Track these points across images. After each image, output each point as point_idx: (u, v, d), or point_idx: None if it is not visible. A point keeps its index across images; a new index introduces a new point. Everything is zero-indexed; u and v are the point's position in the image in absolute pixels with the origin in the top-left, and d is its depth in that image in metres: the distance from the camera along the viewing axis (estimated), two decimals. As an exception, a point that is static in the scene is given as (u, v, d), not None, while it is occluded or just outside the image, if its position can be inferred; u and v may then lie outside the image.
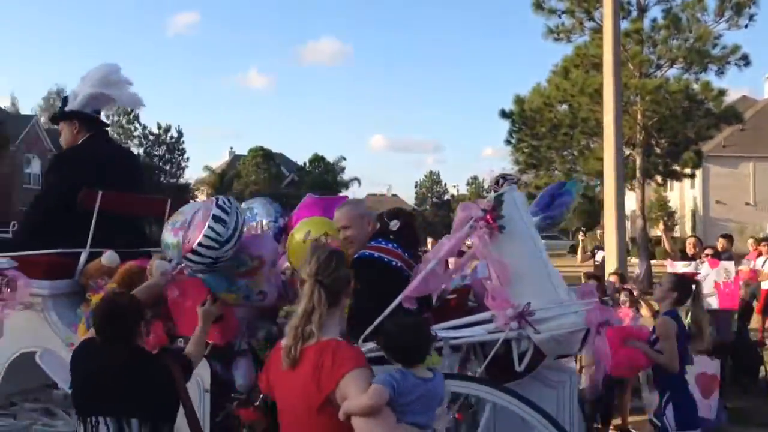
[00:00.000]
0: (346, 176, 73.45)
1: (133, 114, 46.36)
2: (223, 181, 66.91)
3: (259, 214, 4.81)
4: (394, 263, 3.64)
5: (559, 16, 20.66)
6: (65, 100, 5.01)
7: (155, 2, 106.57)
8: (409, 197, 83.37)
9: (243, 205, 4.84)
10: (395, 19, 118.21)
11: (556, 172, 22.42)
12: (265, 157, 67.50)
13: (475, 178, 76.16)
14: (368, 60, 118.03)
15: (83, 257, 4.32)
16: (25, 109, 63.57)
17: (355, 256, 3.65)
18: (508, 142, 22.61)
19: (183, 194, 49.16)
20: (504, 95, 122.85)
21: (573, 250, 46.63)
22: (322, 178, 71.34)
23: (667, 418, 4.49)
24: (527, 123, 21.81)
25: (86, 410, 3.02)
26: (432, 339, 2.83)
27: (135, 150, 46.57)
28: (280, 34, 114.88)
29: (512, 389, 3.21)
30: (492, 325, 3.29)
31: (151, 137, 47.04)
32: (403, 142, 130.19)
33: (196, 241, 3.39)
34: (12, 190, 38.31)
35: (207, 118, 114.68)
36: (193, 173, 64.82)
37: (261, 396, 3.52)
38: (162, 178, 46.87)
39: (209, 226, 3.38)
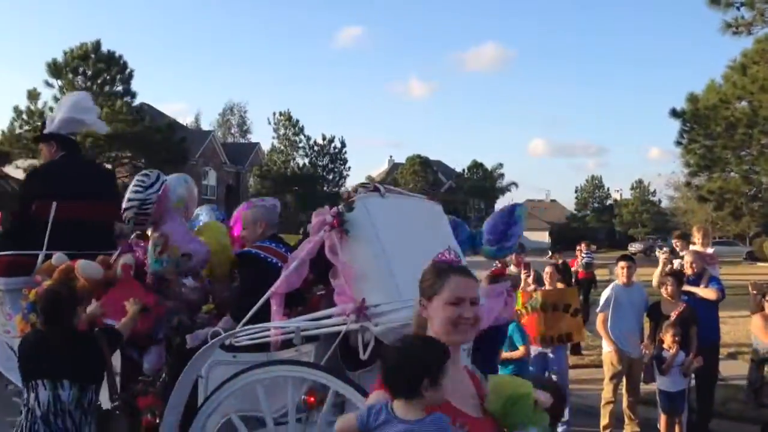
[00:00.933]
0: (504, 182, 72.63)
1: (298, 126, 48.54)
2: (383, 189, 68.58)
3: (202, 219, 5.62)
4: (270, 260, 4.24)
5: (738, 9, 19.12)
6: (44, 123, 5.72)
7: (322, 18, 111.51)
8: (569, 202, 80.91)
9: (196, 210, 5.70)
10: (559, 22, 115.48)
11: (731, 174, 20.81)
12: (423, 164, 68.26)
13: (640, 181, 72.33)
14: (529, 64, 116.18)
15: (40, 258, 4.98)
16: (204, 125, 68.89)
17: (238, 251, 4.52)
18: (678, 143, 21.28)
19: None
20: (670, 95, 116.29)
21: (751, 256, 43.04)
22: (480, 185, 70.93)
23: None
24: (700, 122, 20.39)
25: (29, 376, 3.91)
26: (440, 370, 2.17)
27: (300, 160, 48.78)
28: (442, 43, 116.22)
29: (347, 377, 3.62)
30: (339, 318, 3.63)
31: (315, 148, 49.00)
32: (564, 146, 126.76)
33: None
34: (192, 201, 41.49)
35: (369, 128, 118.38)
36: (354, 182, 67.28)
37: (161, 380, 4.35)
38: (325, 188, 48.68)
39: (136, 178, 4.57)
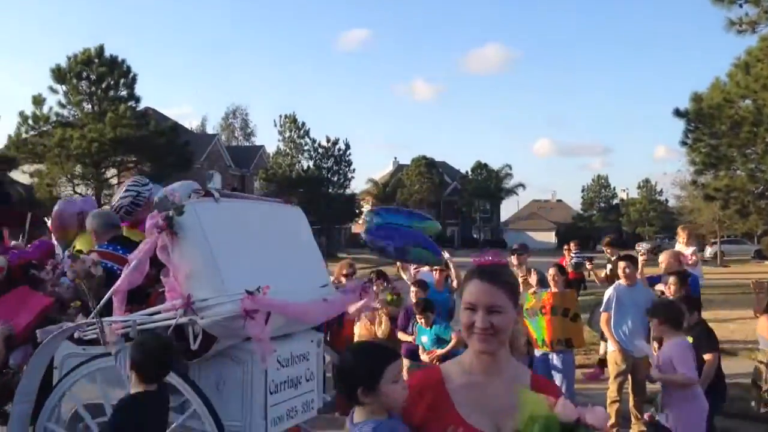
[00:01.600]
0: (510, 183, 72.53)
1: (303, 129, 48.59)
2: (386, 191, 68.56)
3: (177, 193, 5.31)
4: (110, 266, 4.60)
5: (741, 6, 19.04)
6: None
7: (328, 21, 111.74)
8: (575, 202, 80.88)
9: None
10: (563, 22, 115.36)
11: (738, 172, 20.72)
12: (428, 166, 68.23)
13: (647, 180, 72.09)
14: (534, 64, 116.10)
15: None
16: (210, 129, 69.04)
17: None
18: (683, 142, 21.20)
19: (350, 205, 50.84)
20: (675, 93, 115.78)
21: (759, 255, 42.87)
22: (485, 185, 70.88)
23: None
24: (705, 121, 20.31)
25: None
26: (374, 377, 2.19)
27: (305, 163, 48.84)
28: (447, 44, 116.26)
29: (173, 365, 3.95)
30: (170, 313, 3.98)
31: (320, 150, 49.04)
32: (570, 145, 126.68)
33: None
34: (197, 204, 41.63)
35: (374, 130, 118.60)
36: (358, 184, 66.79)
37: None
38: (330, 189, 48.69)
39: (133, 178, 5.21)
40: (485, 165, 72.64)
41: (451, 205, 73.16)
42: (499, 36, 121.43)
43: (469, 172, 73.65)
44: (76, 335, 4.35)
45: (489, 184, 71.25)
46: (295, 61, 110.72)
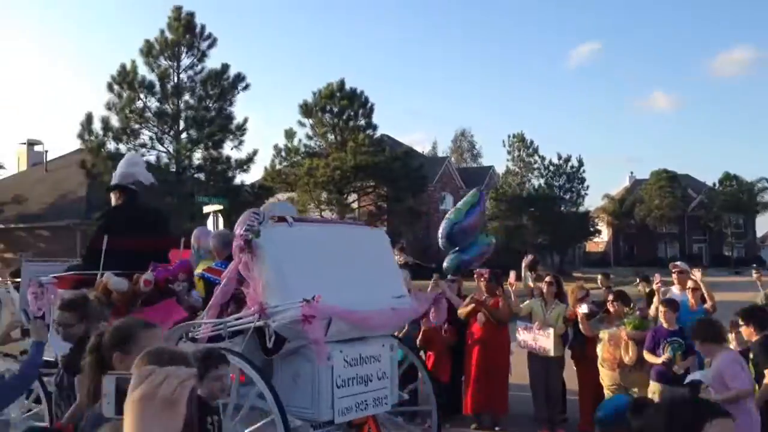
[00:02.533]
0: (767, 196, 65.58)
1: (532, 147, 48.24)
2: (623, 207, 65.42)
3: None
4: (212, 279, 5.65)
5: None
6: (112, 177, 7.46)
7: (557, 35, 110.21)
8: None
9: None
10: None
11: None
12: (669, 179, 64.11)
13: None
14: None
15: (98, 277, 6.24)
16: (439, 152, 71.16)
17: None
18: None
19: (583, 222, 49.31)
20: None
21: None
22: (736, 198, 64.81)
23: None
24: None
25: None
26: None
27: (535, 181, 48.35)
28: (686, 51, 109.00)
29: (250, 360, 4.83)
30: (249, 318, 4.87)
31: (551, 168, 48.29)
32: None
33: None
34: (430, 227, 42.89)
35: (607, 145, 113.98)
36: (593, 201, 64.45)
37: None
38: (562, 208, 47.66)
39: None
40: (735, 176, 66.46)
41: (697, 221, 67.81)
42: (746, 36, 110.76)
43: (717, 185, 67.85)
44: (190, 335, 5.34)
45: (740, 197, 64.99)
46: (523, 80, 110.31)
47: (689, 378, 5.60)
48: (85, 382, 3.44)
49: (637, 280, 11.69)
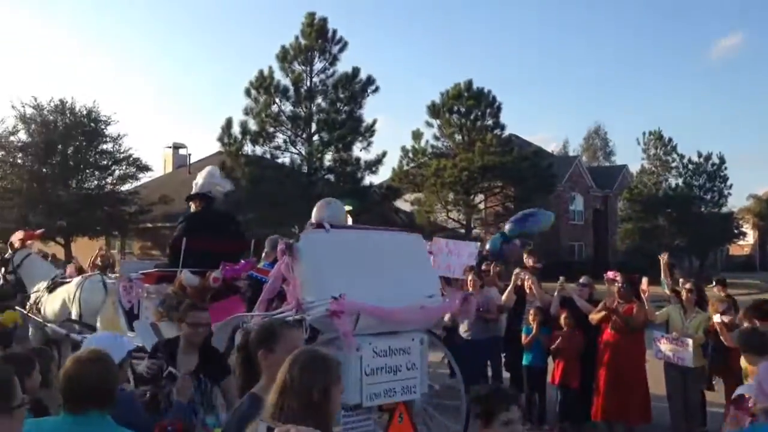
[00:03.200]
0: None
1: (670, 145, 46.03)
2: (772, 208, 60.98)
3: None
4: (261, 278, 6.75)
5: None
6: (192, 187, 8.34)
7: (697, 27, 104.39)
8: None
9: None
10: None
11: None
12: (824, 178, 59.31)
13: None
14: None
15: (178, 274, 7.11)
16: (570, 151, 69.37)
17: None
18: None
19: (726, 224, 46.45)
20: None
21: None
22: None
23: None
24: None
25: None
26: None
27: (673, 181, 46.07)
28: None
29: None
30: (289, 312, 5.65)
31: (690, 167, 45.85)
32: None
33: None
34: (559, 227, 41.95)
35: (753, 141, 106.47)
36: (736, 202, 60.54)
37: None
38: (702, 208, 45.11)
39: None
40: None
41: None
42: None
43: None
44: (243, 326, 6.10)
45: None
46: (660, 74, 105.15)
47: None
48: (236, 378, 3.78)
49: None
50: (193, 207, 8.28)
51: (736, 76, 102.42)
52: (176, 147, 42.84)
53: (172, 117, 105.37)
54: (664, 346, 7.79)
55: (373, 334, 5.65)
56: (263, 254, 7.92)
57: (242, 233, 8.52)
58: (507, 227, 10.66)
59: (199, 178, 8.31)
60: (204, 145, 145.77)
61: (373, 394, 5.62)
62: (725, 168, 45.50)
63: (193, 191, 8.24)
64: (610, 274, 9.29)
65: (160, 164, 42.72)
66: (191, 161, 39.23)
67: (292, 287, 5.72)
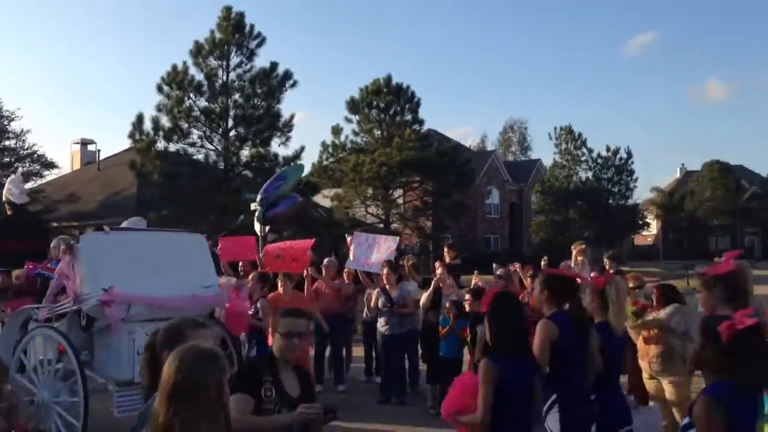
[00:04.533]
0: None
1: (580, 140, 47.61)
2: (673, 200, 64.05)
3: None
4: (46, 275, 7.65)
5: None
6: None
7: (611, 27, 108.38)
8: None
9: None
10: None
11: None
12: (722, 170, 62.56)
13: None
14: None
15: None
16: (488, 145, 70.82)
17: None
18: None
19: (632, 215, 48.50)
20: None
21: None
22: (793, 189, 62.94)
23: None
24: None
25: None
26: None
27: (583, 174, 47.70)
28: (745, 38, 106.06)
29: (66, 335, 6.59)
30: (68, 303, 6.68)
31: (599, 161, 47.58)
32: None
33: None
34: (476, 220, 42.86)
35: (658, 136, 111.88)
36: (642, 194, 63.38)
37: None
38: (610, 201, 46.97)
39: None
40: (792, 166, 64.51)
41: (750, 213, 66.06)
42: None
43: (773, 175, 65.94)
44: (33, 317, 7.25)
45: (798, 187, 63.09)
46: (574, 72, 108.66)
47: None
48: (142, 378, 3.68)
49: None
50: (7, 212, 9.90)
51: (644, 73, 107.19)
52: (84, 143, 41.22)
53: (82, 113, 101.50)
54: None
55: (147, 320, 6.50)
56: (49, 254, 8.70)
57: (47, 234, 10.16)
58: (259, 197, 11.35)
59: (8, 187, 9.87)
60: (116, 141, 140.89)
61: None
62: (632, 162, 47.55)
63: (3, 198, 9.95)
64: (516, 266, 9.65)
65: (67, 161, 41.08)
66: (101, 157, 37.85)
67: (72, 282, 6.59)
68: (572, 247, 10.78)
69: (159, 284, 6.60)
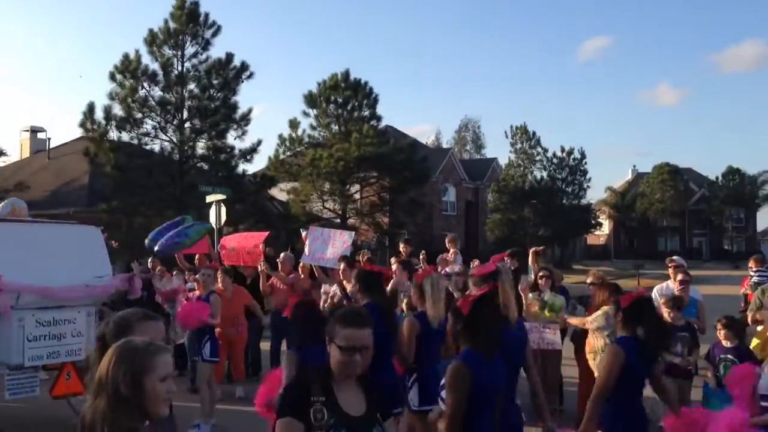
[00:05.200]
0: (768, 189, 65.52)
1: (535, 139, 48.18)
2: (625, 200, 65.41)
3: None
4: None
5: None
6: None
7: (567, 30, 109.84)
8: None
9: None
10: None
11: None
12: (671, 173, 64.06)
13: None
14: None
15: None
16: (444, 144, 71.16)
17: None
18: None
19: (585, 215, 49.37)
20: None
21: None
22: (738, 192, 64.81)
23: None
24: None
25: None
26: None
27: (538, 174, 48.33)
28: (696, 45, 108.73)
29: None
30: None
31: (554, 160, 48.27)
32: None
33: None
34: (433, 217, 43.01)
35: (612, 138, 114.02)
36: (595, 194, 64.60)
37: None
38: (564, 200, 47.71)
39: None
40: (738, 170, 66.41)
41: (698, 215, 67.87)
42: (756, 30, 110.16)
43: (720, 179, 67.81)
44: None
45: (743, 191, 65.02)
46: (531, 73, 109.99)
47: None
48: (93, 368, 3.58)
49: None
50: None
51: (598, 75, 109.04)
52: (34, 131, 40.11)
53: (33, 100, 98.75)
54: (533, 335, 8.10)
55: (38, 308, 6.94)
56: None
57: None
58: (152, 238, 10.81)
59: None
60: (67, 129, 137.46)
61: (35, 356, 6.96)
62: (585, 162, 48.40)
63: None
64: (474, 264, 9.71)
65: (16, 149, 39.93)
66: (51, 146, 36.87)
67: None
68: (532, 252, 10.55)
69: (50, 274, 7.01)
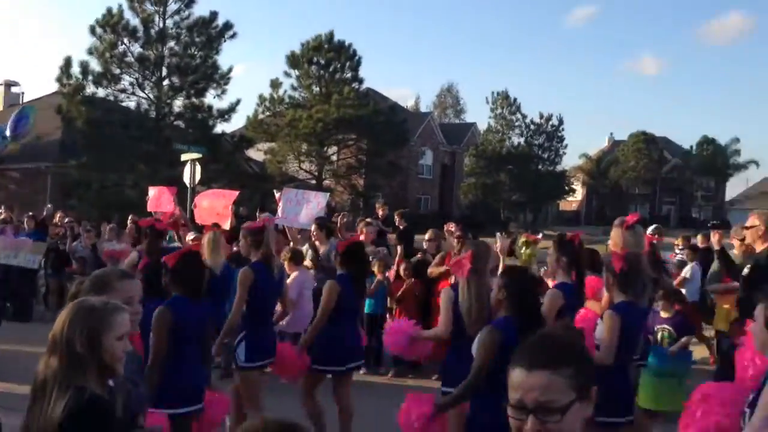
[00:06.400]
0: (741, 159, 66.57)
1: (515, 105, 48.40)
2: (600, 167, 66.09)
3: None
4: None
5: None
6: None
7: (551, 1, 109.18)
8: (818, 182, 71.97)
9: None
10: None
11: None
12: (646, 141, 64.71)
13: None
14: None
15: None
16: (423, 108, 71.10)
17: None
18: None
19: (559, 181, 49.96)
20: None
21: None
22: (711, 162, 65.77)
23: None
24: None
25: None
26: None
27: (515, 139, 48.68)
28: (681, 17, 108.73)
29: None
30: None
31: (532, 127, 48.62)
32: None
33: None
34: (408, 180, 43.30)
35: (593, 107, 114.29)
36: (571, 160, 65.27)
37: None
38: (540, 166, 48.20)
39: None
40: (713, 140, 67.22)
41: (670, 183, 68.88)
42: (739, 3, 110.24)
43: (694, 148, 68.66)
44: None
45: (715, 161, 66.00)
46: (516, 39, 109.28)
47: None
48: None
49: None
50: None
51: (582, 43, 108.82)
52: (8, 84, 39.50)
53: (6, 53, 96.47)
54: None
55: None
56: None
57: None
58: (9, 135, 12.19)
59: None
60: (43, 83, 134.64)
61: None
62: (563, 129, 48.82)
63: None
64: (450, 226, 9.85)
65: (-10, 102, 39.32)
66: (25, 100, 36.41)
67: None
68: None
69: None
